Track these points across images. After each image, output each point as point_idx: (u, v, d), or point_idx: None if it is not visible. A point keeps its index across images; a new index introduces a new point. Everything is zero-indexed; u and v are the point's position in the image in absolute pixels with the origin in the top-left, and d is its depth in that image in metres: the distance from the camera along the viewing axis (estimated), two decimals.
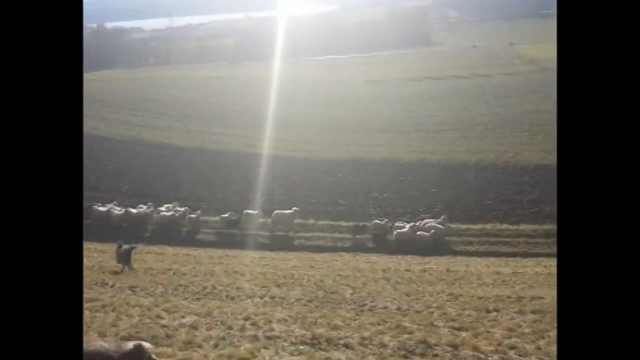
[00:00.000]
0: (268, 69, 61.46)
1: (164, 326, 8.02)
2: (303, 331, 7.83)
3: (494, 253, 15.89)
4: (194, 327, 8.01)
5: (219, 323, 8.21)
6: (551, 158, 26.71)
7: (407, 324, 8.25)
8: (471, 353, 7.10)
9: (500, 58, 72.64)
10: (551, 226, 17.79)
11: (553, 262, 14.38)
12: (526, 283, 11.43)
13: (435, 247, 16.33)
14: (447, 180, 23.41)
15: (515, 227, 17.79)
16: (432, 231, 16.66)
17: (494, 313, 8.84)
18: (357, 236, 17.68)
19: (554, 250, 16.07)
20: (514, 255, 15.56)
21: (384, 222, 17.69)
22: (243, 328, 7.79)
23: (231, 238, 17.93)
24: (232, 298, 9.94)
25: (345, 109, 42.94)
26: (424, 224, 17.24)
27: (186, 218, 18.71)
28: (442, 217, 17.52)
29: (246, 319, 8.37)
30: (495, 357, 6.75)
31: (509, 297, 9.93)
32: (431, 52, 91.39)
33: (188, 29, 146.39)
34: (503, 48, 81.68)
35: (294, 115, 37.51)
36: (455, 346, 7.27)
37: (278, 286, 10.88)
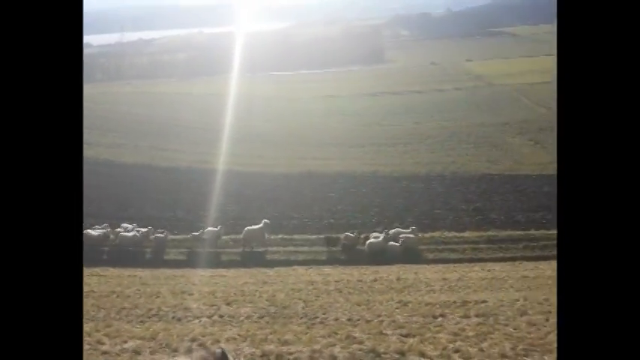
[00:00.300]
0: (222, 84, 60.92)
1: (105, 352, 7.65)
2: (253, 349, 7.70)
3: (442, 260, 16.39)
4: (137, 352, 7.67)
5: (164, 346, 7.91)
6: (496, 168, 28.15)
7: (357, 334, 8.31)
8: (418, 359, 7.27)
9: (450, 74, 76.17)
10: (495, 232, 18.66)
11: (497, 267, 15.04)
12: (471, 287, 11.85)
13: (405, 256, 16.65)
14: (398, 191, 24.01)
15: (461, 235, 18.47)
16: (401, 240, 17.09)
17: (440, 319, 9.10)
18: (330, 248, 17.74)
19: (498, 254, 16.95)
20: (460, 261, 16.11)
21: (354, 234, 17.96)
22: (189, 350, 7.53)
23: (198, 257, 17.22)
24: (179, 319, 9.61)
25: (298, 123, 43.30)
26: (395, 234, 17.63)
27: (151, 238, 17.88)
28: (412, 227, 17.99)
29: (193, 340, 8.12)
30: None
31: (454, 302, 10.25)
32: (384, 69, 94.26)
33: (139, 44, 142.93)
34: (451, 65, 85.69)
35: (248, 130, 37.32)
36: (402, 353, 7.41)
37: (228, 304, 10.63)
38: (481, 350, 7.46)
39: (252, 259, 17.02)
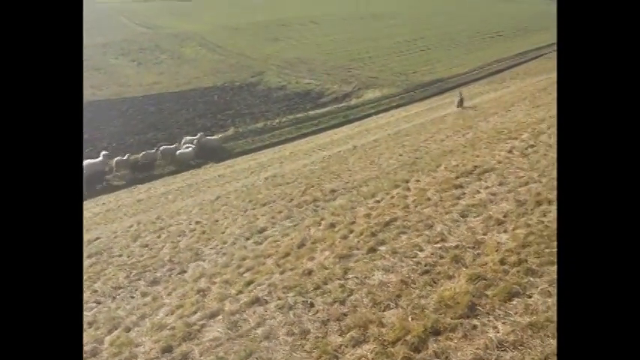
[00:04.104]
0: None
1: None
2: None
3: None
4: None
5: None
6: (101, 93, 26.39)
7: None
8: None
9: None
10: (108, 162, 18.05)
11: (111, 198, 14.75)
12: (85, 227, 11.10)
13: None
14: None
15: None
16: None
17: None
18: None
19: (112, 185, 16.59)
20: None
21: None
22: None
23: None
24: None
25: None
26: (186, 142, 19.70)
27: None
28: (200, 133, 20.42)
29: None
30: None
31: None
32: None
33: None
34: None
35: None
36: None
37: None
38: (94, 292, 7.19)
39: None
